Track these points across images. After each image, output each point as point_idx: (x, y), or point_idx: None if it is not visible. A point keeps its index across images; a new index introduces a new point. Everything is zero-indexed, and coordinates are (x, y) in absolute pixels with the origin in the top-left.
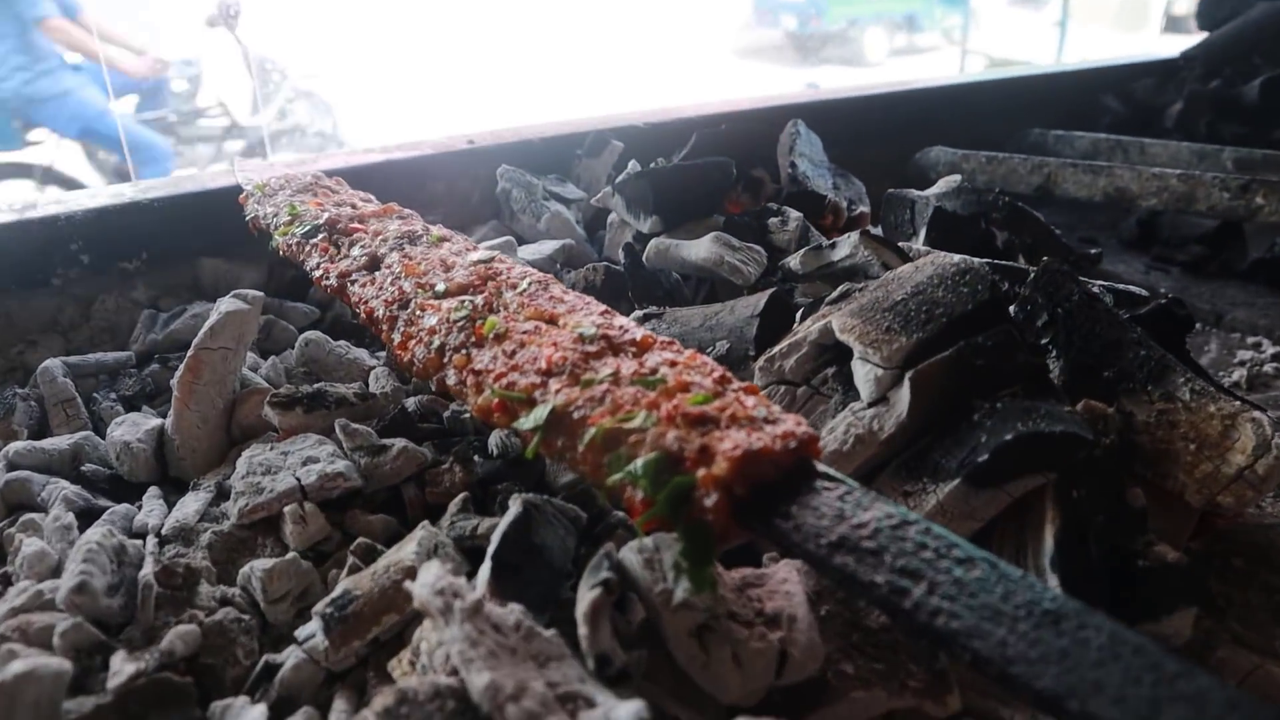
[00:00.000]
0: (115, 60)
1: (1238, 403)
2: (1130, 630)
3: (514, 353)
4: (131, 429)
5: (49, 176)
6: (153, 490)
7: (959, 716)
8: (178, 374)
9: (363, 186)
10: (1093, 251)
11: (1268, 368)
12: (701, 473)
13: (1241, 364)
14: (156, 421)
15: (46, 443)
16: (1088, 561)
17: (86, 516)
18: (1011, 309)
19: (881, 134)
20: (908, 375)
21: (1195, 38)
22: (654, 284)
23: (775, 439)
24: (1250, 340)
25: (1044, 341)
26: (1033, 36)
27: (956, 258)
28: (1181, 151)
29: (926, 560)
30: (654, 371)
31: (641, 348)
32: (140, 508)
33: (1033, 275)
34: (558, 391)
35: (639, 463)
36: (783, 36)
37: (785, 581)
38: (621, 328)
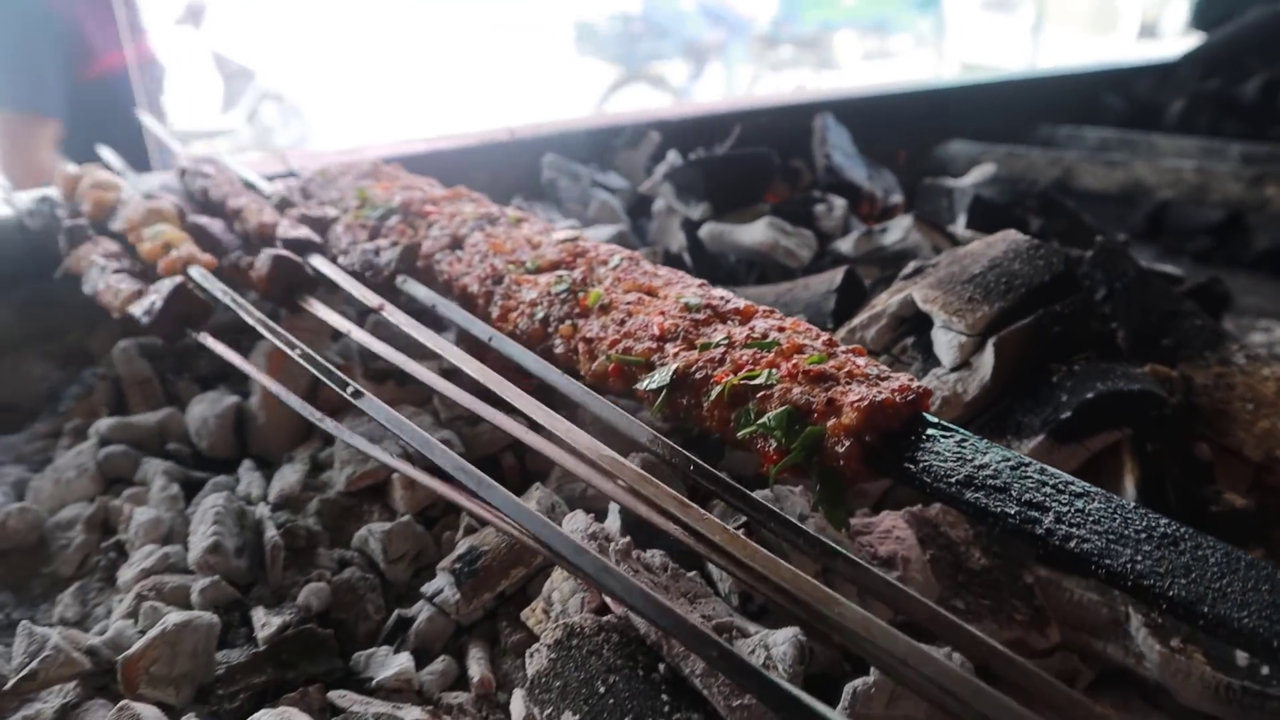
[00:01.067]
0: None
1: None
2: (1240, 550)
3: (623, 321)
4: (212, 406)
5: None
6: (247, 463)
7: (1057, 648)
8: (262, 354)
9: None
10: (1120, 238)
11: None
12: (832, 423)
13: (1262, 347)
14: (234, 399)
15: (135, 418)
16: (1167, 507)
17: (187, 487)
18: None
19: (897, 129)
20: (990, 341)
21: (1166, 42)
22: (715, 266)
23: (894, 392)
24: (1262, 324)
25: (1105, 313)
26: (1006, 41)
27: (1024, 235)
28: (1189, 147)
29: (1048, 494)
30: (765, 336)
31: (745, 316)
32: (239, 480)
33: (1091, 253)
34: (676, 355)
35: (770, 416)
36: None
37: (894, 529)
38: (723, 298)
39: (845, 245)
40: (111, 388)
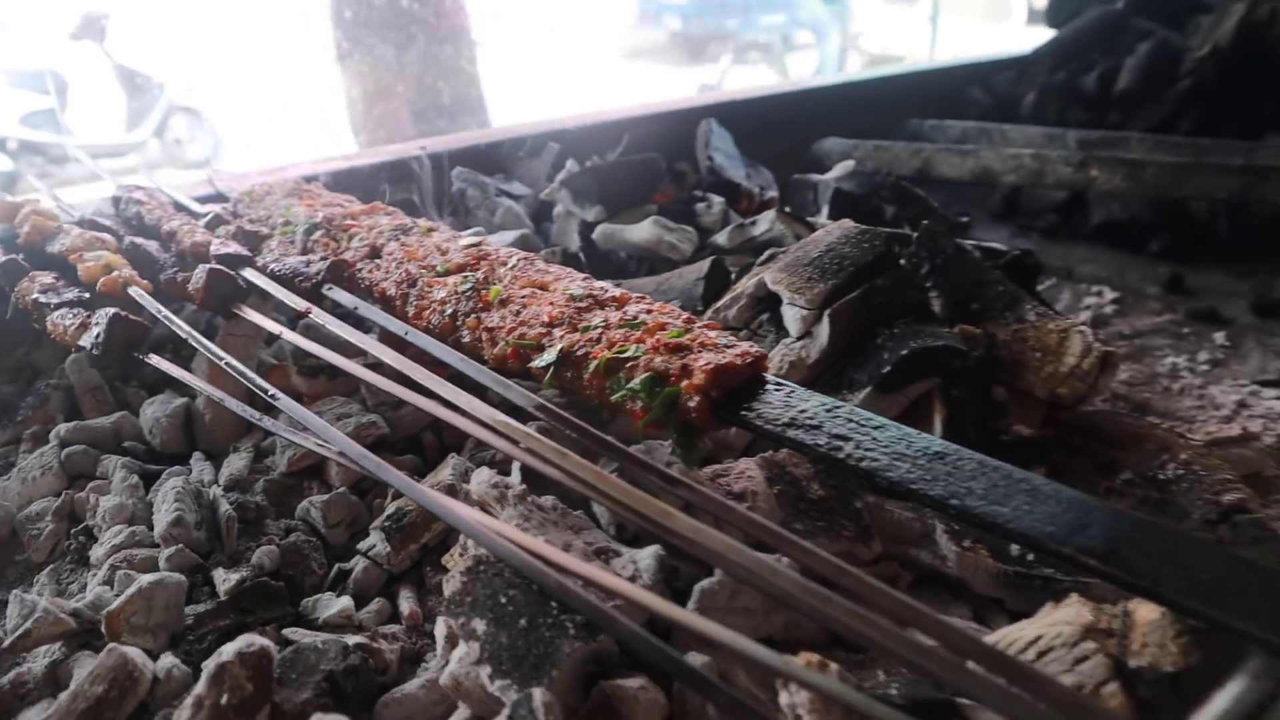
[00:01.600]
0: None
1: (1069, 319)
2: (992, 459)
3: (519, 312)
4: (163, 407)
5: None
6: (197, 455)
7: (881, 558)
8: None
9: (332, 190)
10: (963, 219)
11: (1107, 309)
12: (684, 384)
13: (1088, 308)
14: (183, 400)
15: (91, 421)
16: (965, 440)
17: (144, 478)
18: (901, 263)
19: (781, 128)
20: (826, 313)
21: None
22: (607, 262)
23: (736, 356)
24: (1094, 289)
25: (927, 285)
26: (907, 31)
27: (854, 223)
28: (1035, 135)
29: (852, 428)
30: (635, 318)
31: (621, 302)
32: (191, 469)
33: (916, 235)
34: (561, 337)
35: (635, 382)
36: (667, 37)
37: (746, 470)
38: (602, 288)
39: (721, 238)
40: (65, 396)
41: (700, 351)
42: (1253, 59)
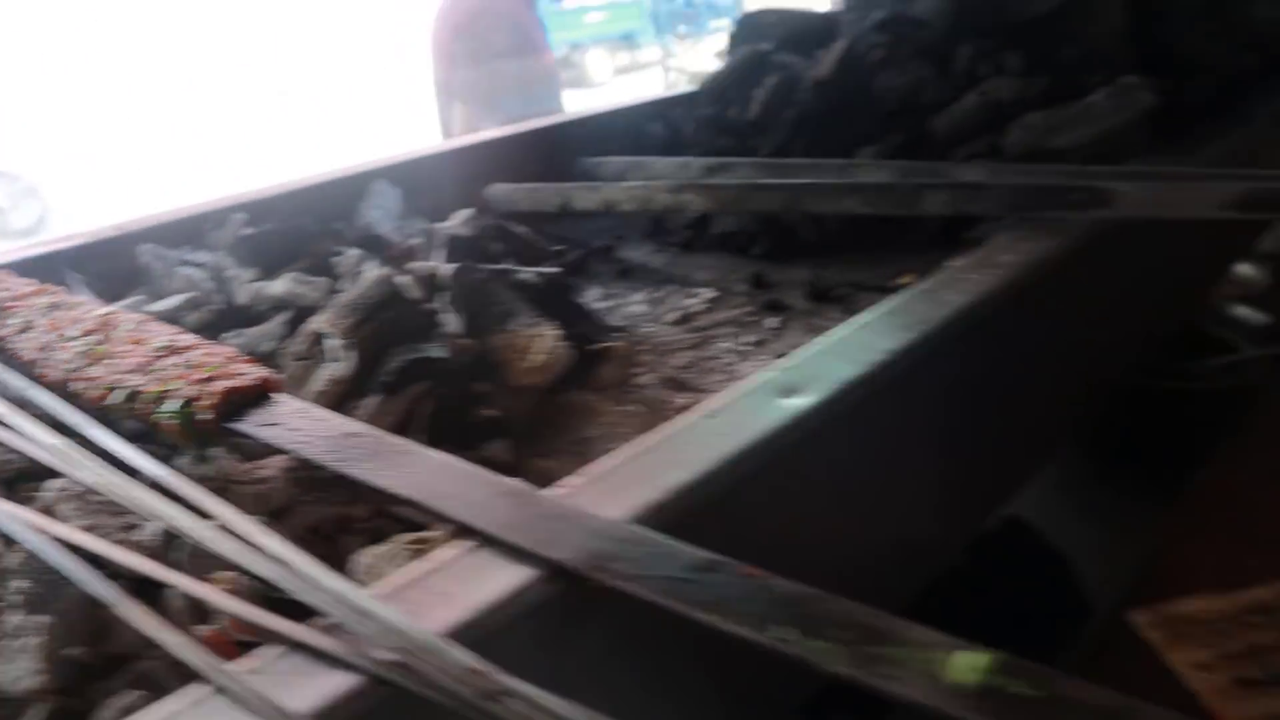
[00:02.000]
0: None
1: (542, 325)
2: (392, 435)
3: (115, 364)
4: None
5: None
6: None
7: (377, 514)
8: None
9: (31, 274)
10: (555, 248)
11: (696, 308)
12: (201, 404)
13: (683, 307)
14: None
15: None
16: (440, 429)
17: None
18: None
19: (464, 178)
20: (352, 341)
21: None
22: (245, 315)
23: (245, 380)
24: (697, 291)
25: (438, 311)
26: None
27: (377, 273)
28: (671, 164)
29: (310, 425)
30: (190, 360)
31: (191, 348)
32: None
33: (452, 272)
34: (135, 378)
35: (171, 405)
36: None
37: (274, 461)
38: (181, 340)
39: (344, 285)
40: None
41: (222, 379)
42: (849, 88)
